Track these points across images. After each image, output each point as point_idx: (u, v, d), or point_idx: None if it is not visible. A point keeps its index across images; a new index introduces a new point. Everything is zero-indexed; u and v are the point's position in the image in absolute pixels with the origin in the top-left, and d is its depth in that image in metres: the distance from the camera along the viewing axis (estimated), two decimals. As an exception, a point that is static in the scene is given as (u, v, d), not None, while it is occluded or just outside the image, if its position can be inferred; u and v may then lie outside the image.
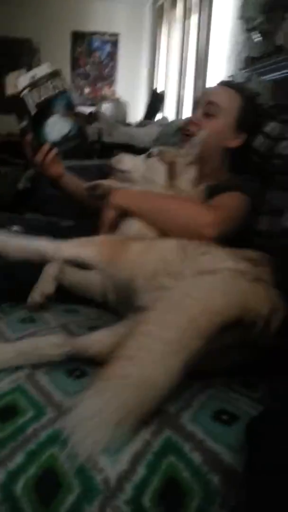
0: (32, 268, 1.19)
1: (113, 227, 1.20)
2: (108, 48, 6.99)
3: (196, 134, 1.39)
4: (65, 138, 1.31)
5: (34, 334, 0.97)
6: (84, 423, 0.63)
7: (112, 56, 7.02)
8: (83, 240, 0.98)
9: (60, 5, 6.50)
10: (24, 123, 1.26)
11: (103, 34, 6.92)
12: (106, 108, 4.72)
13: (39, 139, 1.28)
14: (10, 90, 1.23)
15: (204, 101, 1.48)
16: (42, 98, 1.23)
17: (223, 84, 1.58)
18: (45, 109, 1.25)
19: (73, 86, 6.90)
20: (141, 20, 6.84)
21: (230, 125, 1.46)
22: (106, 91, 6.94)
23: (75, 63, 6.97)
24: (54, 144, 1.33)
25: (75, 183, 1.55)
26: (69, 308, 1.17)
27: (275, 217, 1.18)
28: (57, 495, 0.63)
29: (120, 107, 4.85)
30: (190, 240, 1.04)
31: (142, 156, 1.36)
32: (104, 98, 5.14)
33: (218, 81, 1.65)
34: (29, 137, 1.32)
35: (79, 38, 6.89)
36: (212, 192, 1.35)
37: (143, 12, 6.82)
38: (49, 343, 0.84)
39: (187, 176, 1.32)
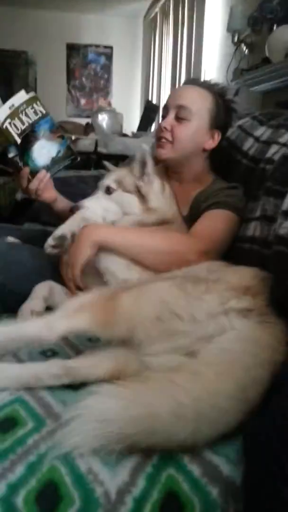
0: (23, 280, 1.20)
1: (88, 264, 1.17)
2: (102, 60, 7.07)
3: (171, 140, 1.38)
4: (55, 161, 1.31)
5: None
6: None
7: (107, 68, 7.09)
8: (71, 308, 0.91)
9: (55, 18, 6.57)
10: (12, 153, 1.26)
11: (98, 46, 7.00)
12: (101, 119, 4.74)
13: (28, 166, 1.28)
14: None
15: (174, 105, 1.41)
16: (25, 125, 1.23)
17: (191, 83, 1.48)
18: (29, 136, 1.25)
19: (70, 97, 6.96)
20: (135, 33, 6.93)
21: (203, 126, 1.40)
22: (101, 102, 6.99)
23: (70, 75, 7.04)
24: (45, 168, 1.33)
25: (66, 205, 1.51)
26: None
27: (267, 224, 1.19)
28: (58, 507, 0.63)
29: (115, 118, 4.88)
30: (180, 272, 1.04)
31: (101, 195, 1.33)
32: (99, 110, 5.17)
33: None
34: (26, 170, 1.30)
35: (74, 50, 6.96)
36: (198, 204, 1.36)
37: (137, 24, 6.91)
38: (49, 374, 0.83)
39: (157, 195, 1.33)
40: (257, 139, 1.51)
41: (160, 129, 1.42)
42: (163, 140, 1.40)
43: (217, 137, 1.43)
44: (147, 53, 6.52)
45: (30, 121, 1.24)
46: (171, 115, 1.40)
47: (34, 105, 1.24)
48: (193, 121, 1.38)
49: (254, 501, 0.56)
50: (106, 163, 1.55)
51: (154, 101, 5.56)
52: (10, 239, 1.51)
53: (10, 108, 1.22)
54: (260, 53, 3.00)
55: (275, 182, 1.20)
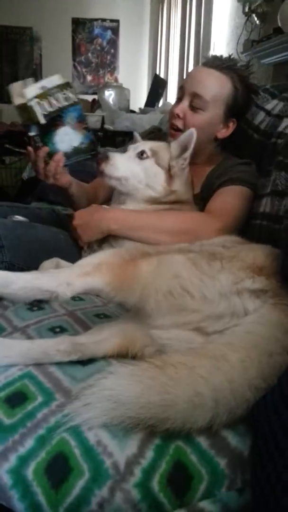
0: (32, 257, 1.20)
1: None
2: (109, 34, 6.92)
3: (182, 129, 1.34)
4: (76, 151, 1.29)
5: (42, 322, 0.98)
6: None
7: (114, 42, 6.95)
8: (90, 265, 0.90)
9: (60, -8, 6.43)
10: (33, 132, 1.24)
11: (104, 20, 6.84)
12: (108, 95, 4.68)
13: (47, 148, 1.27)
14: (17, 101, 1.20)
15: (190, 91, 1.35)
16: (53, 109, 1.22)
17: (211, 65, 1.38)
18: (55, 119, 1.24)
19: (75, 73, 6.85)
20: (142, 6, 6.77)
21: (218, 116, 1.36)
22: (108, 78, 6.88)
23: (76, 51, 6.92)
24: (64, 155, 1.30)
25: (81, 189, 1.50)
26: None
27: (278, 199, 1.17)
28: (68, 479, 0.64)
29: (122, 94, 4.81)
30: (196, 245, 1.02)
31: (132, 156, 1.30)
32: (106, 85, 5.09)
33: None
34: (45, 149, 1.26)
35: (80, 25, 6.82)
36: (212, 182, 1.35)
37: (144, -3, 6.74)
38: (58, 350, 0.83)
39: (183, 179, 1.31)
40: (268, 112, 1.48)
41: (172, 114, 1.38)
42: (174, 127, 1.37)
43: (232, 125, 1.40)
44: (155, 26, 6.37)
45: (59, 106, 1.23)
46: (185, 102, 1.35)
47: (66, 91, 1.23)
48: (207, 112, 1.34)
49: (261, 471, 0.57)
50: (136, 133, 1.51)
51: (162, 76, 5.45)
52: (18, 217, 1.50)
53: (40, 88, 1.21)
54: (272, 23, 2.91)
55: (286, 156, 1.18)
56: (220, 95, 1.34)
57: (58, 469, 0.65)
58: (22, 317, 1.01)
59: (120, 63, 7.00)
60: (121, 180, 1.27)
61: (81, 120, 1.27)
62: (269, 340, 0.76)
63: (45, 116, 1.21)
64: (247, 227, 1.29)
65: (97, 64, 6.98)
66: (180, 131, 1.36)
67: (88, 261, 0.92)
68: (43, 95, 1.21)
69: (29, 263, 1.19)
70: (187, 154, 1.28)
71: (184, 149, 1.28)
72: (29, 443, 0.67)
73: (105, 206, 1.34)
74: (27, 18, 6.46)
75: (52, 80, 1.23)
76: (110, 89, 4.80)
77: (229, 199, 1.28)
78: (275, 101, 1.49)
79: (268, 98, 1.53)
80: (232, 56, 1.44)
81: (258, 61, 3.17)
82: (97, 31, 6.91)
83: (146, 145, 1.32)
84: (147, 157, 1.29)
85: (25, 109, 1.20)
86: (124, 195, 1.32)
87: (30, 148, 1.26)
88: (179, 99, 1.39)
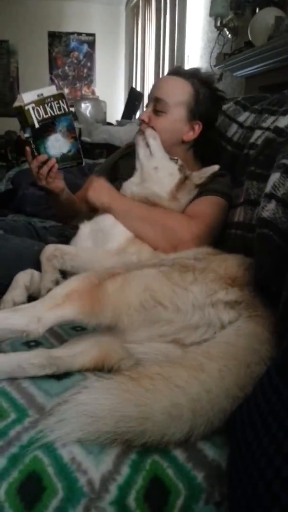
0: (5, 269, 1.18)
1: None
2: (85, 48, 6.97)
3: (146, 132, 1.39)
4: (64, 157, 1.37)
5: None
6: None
7: (90, 56, 7.00)
8: (57, 297, 0.88)
9: (36, 6, 6.46)
10: (27, 134, 1.33)
11: (80, 34, 6.89)
12: (85, 107, 4.69)
13: (39, 152, 1.34)
14: (16, 104, 1.31)
15: (153, 97, 1.43)
16: (47, 115, 1.32)
17: (173, 72, 1.48)
18: (48, 126, 1.33)
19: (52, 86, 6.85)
20: (117, 20, 6.85)
21: (181, 118, 1.42)
22: (85, 90, 6.91)
23: (53, 64, 6.94)
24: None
25: (71, 198, 1.55)
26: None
27: (251, 208, 1.18)
28: (41, 499, 0.62)
29: (99, 106, 4.83)
30: (168, 258, 1.04)
31: (168, 155, 1.37)
32: (83, 98, 5.11)
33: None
34: (44, 156, 1.34)
35: (56, 39, 6.85)
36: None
37: (119, 11, 6.83)
38: (32, 364, 0.82)
39: (190, 196, 1.35)
40: (241, 124, 1.51)
41: (140, 120, 1.46)
42: (141, 131, 1.41)
43: (198, 128, 1.44)
44: (130, 40, 6.44)
45: (53, 114, 1.33)
46: (150, 108, 1.44)
47: (60, 101, 1.33)
48: (169, 114, 1.41)
49: (238, 483, 0.56)
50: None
51: (138, 89, 5.50)
52: (-6, 229, 1.48)
53: (38, 96, 1.31)
54: (243, 37, 2.98)
55: (258, 166, 1.20)
56: (180, 97, 1.41)
57: (31, 489, 0.63)
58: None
59: (97, 76, 7.05)
60: (148, 151, 1.34)
61: (70, 129, 1.36)
62: (247, 351, 0.76)
63: (39, 121, 1.31)
64: (223, 237, 1.30)
65: (74, 77, 7.01)
66: None
67: (58, 292, 0.90)
68: (40, 102, 1.31)
69: (3, 275, 1.17)
70: (204, 175, 1.35)
71: (204, 173, 1.36)
72: (1, 462, 0.65)
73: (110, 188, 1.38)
74: (3, 31, 6.46)
75: (49, 90, 1.33)
76: (87, 101, 4.82)
77: (204, 207, 1.31)
78: (246, 113, 1.52)
79: (240, 110, 1.56)
80: (198, 68, 1.51)
81: (231, 74, 3.23)
82: (73, 44, 6.95)
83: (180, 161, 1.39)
84: (175, 163, 1.36)
85: (21, 112, 1.30)
86: (138, 176, 1.36)
87: (28, 149, 1.33)
88: (147, 107, 1.47)
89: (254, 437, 0.55)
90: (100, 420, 0.64)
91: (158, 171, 1.33)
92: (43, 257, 1.16)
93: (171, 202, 1.32)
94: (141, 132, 1.36)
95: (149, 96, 1.47)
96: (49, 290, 1.08)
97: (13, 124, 5.57)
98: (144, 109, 1.53)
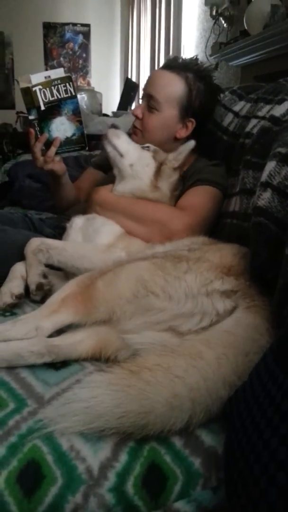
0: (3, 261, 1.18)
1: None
2: (80, 39, 6.90)
3: (141, 129, 1.42)
4: (68, 141, 1.37)
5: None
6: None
7: (85, 47, 6.94)
8: (53, 304, 0.90)
9: (30, -4, 6.39)
10: (33, 116, 1.33)
11: (75, 25, 6.83)
12: (80, 99, 4.66)
13: (43, 133, 1.35)
14: (23, 84, 1.31)
15: (146, 93, 1.42)
16: (53, 98, 1.32)
17: (167, 66, 1.44)
18: (53, 108, 1.33)
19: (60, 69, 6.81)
20: (112, 10, 6.77)
21: (174, 116, 1.40)
22: (80, 82, 6.86)
23: (48, 55, 6.87)
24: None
25: (70, 182, 1.56)
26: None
27: (246, 197, 1.18)
28: (41, 486, 0.63)
29: (94, 97, 4.80)
30: (161, 249, 1.04)
31: (138, 146, 1.35)
32: (78, 89, 5.08)
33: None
34: (43, 138, 1.34)
35: (51, 29, 6.78)
36: (183, 183, 1.36)
37: (114, 1, 6.75)
38: (32, 352, 0.82)
39: (170, 180, 1.33)
40: (236, 114, 1.50)
41: (133, 115, 1.46)
42: (135, 127, 1.45)
43: (191, 125, 1.43)
44: (125, 30, 6.39)
45: (59, 96, 1.32)
46: (143, 104, 1.43)
47: (67, 84, 1.32)
48: (161, 112, 1.40)
49: (235, 467, 0.57)
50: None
51: (134, 79, 5.46)
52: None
53: (45, 77, 1.31)
54: (239, 26, 2.96)
55: (253, 155, 1.19)
56: (172, 95, 1.39)
57: (30, 477, 0.63)
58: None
59: (92, 67, 6.99)
60: (117, 153, 1.32)
61: (76, 113, 1.36)
62: (246, 340, 0.77)
63: (45, 103, 1.32)
64: (219, 226, 1.30)
65: (69, 68, 6.94)
66: (140, 130, 1.44)
67: (54, 299, 0.92)
68: (47, 84, 1.31)
69: (0, 267, 1.17)
70: (180, 156, 1.33)
71: (179, 153, 1.33)
72: (0, 451, 0.65)
73: (105, 187, 1.38)
74: (-3, 22, 6.40)
75: (56, 72, 1.34)
76: (82, 93, 4.78)
77: (197, 197, 1.30)
78: (242, 103, 1.51)
79: (235, 99, 1.55)
80: (195, 57, 1.47)
81: (227, 63, 3.22)
82: (68, 35, 6.88)
83: (152, 146, 1.38)
84: (148, 150, 1.34)
85: (28, 93, 1.30)
86: (117, 176, 1.35)
87: (32, 130, 1.33)
88: (142, 101, 1.47)
89: (250, 421, 0.56)
90: (102, 417, 0.64)
91: (134, 166, 1.31)
92: (28, 250, 1.15)
93: (154, 193, 1.30)
94: (104, 136, 1.34)
95: (143, 90, 1.47)
96: (37, 284, 1.11)
97: (9, 116, 5.55)
98: (140, 100, 1.52)
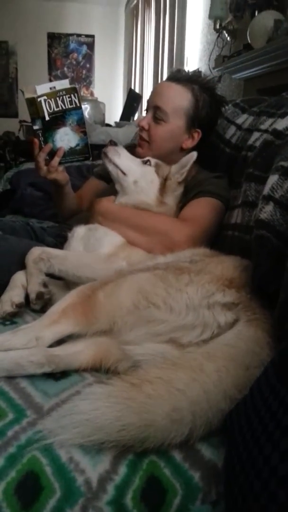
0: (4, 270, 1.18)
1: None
2: (84, 49, 6.98)
3: (147, 140, 1.42)
4: (72, 151, 1.38)
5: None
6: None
7: (89, 57, 7.01)
8: (54, 314, 0.90)
9: (35, 7, 6.47)
10: (37, 126, 1.35)
11: (79, 35, 6.91)
12: (84, 109, 4.70)
13: (47, 143, 1.36)
14: (29, 95, 1.32)
15: (152, 104, 1.43)
16: (58, 108, 1.33)
17: (173, 78, 1.46)
18: (58, 119, 1.34)
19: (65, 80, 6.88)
20: (117, 21, 6.86)
21: (180, 127, 1.42)
22: (83, 92, 6.92)
23: (52, 65, 6.94)
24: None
25: (72, 192, 1.57)
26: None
27: (248, 209, 1.19)
28: (39, 498, 0.62)
29: (98, 108, 4.84)
30: (162, 261, 1.04)
31: (139, 161, 1.36)
32: (82, 99, 5.13)
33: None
34: (49, 146, 1.35)
35: (56, 40, 6.86)
36: (184, 195, 1.37)
37: (118, 13, 6.84)
38: (32, 361, 0.82)
39: (176, 194, 1.35)
40: (239, 127, 1.51)
41: (139, 126, 1.46)
42: (141, 138, 1.44)
43: (197, 136, 1.44)
44: (129, 41, 6.45)
45: (64, 107, 1.34)
46: (149, 115, 1.44)
47: (72, 95, 1.33)
48: (168, 123, 1.41)
49: (235, 482, 0.56)
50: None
51: (137, 90, 5.51)
52: (-9, 230, 1.48)
53: (50, 88, 1.33)
54: (242, 39, 2.98)
55: (256, 168, 1.20)
56: (179, 106, 1.40)
57: (29, 489, 0.63)
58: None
59: (96, 78, 7.06)
60: (119, 171, 1.32)
61: (80, 124, 1.37)
62: (247, 353, 0.76)
63: (49, 113, 1.33)
64: (220, 238, 1.30)
65: (73, 78, 7.01)
66: (146, 141, 1.44)
67: (55, 309, 0.92)
68: (52, 95, 1.32)
69: (1, 275, 1.17)
70: (184, 170, 1.33)
71: (183, 166, 1.34)
72: (-1, 462, 0.65)
73: (107, 198, 1.38)
74: (3, 32, 6.47)
75: (62, 83, 1.35)
76: (85, 103, 4.82)
77: (199, 209, 1.31)
78: (245, 115, 1.52)
79: (238, 112, 1.56)
80: (198, 70, 1.50)
81: (230, 76, 3.24)
82: (72, 45, 6.96)
83: (152, 157, 1.38)
84: (149, 165, 1.34)
85: (33, 103, 1.32)
86: (120, 191, 1.35)
87: (36, 140, 1.34)
88: (146, 112, 1.46)
89: (251, 436, 0.56)
90: (102, 429, 0.64)
91: (139, 183, 1.32)
92: (29, 259, 1.15)
93: (159, 208, 1.31)
94: (104, 154, 1.34)
95: (148, 101, 1.47)
96: (37, 293, 1.11)
97: (12, 124, 5.59)
98: (143, 111, 1.53)
